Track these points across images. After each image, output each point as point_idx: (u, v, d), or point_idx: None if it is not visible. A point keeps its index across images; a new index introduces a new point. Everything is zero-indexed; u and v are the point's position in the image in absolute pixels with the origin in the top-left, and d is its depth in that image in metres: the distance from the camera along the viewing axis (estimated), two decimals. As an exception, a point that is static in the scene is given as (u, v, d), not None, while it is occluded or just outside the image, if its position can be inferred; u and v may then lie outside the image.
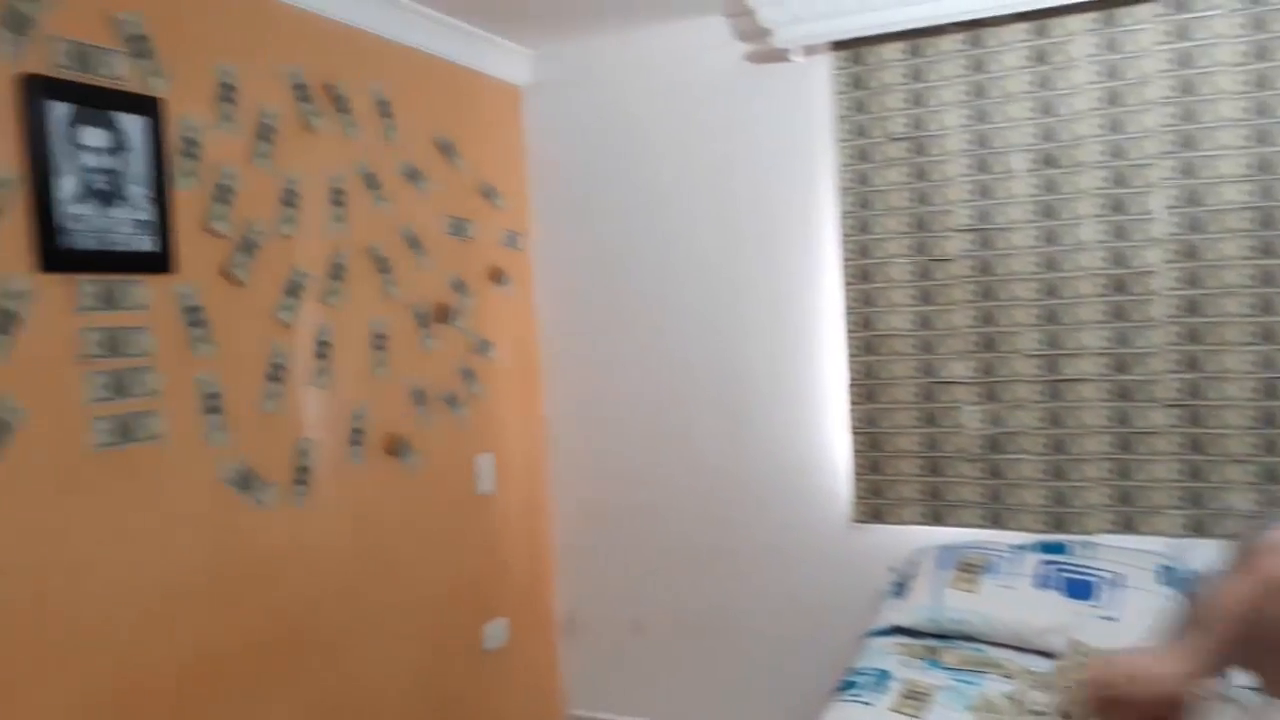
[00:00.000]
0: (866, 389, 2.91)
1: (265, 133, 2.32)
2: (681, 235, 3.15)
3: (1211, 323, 2.56)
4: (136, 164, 2.01)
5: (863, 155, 2.89)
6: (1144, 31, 2.58)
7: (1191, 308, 2.57)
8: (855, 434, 2.92)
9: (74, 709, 1.86)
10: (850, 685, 2.29)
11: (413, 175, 2.81)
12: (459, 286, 2.99)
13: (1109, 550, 2.53)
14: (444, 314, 2.91)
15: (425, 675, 2.81)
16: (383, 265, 2.69)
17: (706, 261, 3.12)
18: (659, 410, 3.20)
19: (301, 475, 2.41)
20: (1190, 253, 2.56)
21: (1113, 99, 2.62)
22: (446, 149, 2.95)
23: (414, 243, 2.81)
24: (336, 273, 2.53)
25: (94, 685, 1.90)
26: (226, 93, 2.23)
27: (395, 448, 2.70)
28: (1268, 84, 2.47)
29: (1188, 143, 2.55)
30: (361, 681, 2.57)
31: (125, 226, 1.99)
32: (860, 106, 2.88)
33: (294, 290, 2.40)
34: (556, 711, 3.36)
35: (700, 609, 3.16)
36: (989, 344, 2.77)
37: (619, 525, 3.26)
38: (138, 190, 2.02)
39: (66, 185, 1.88)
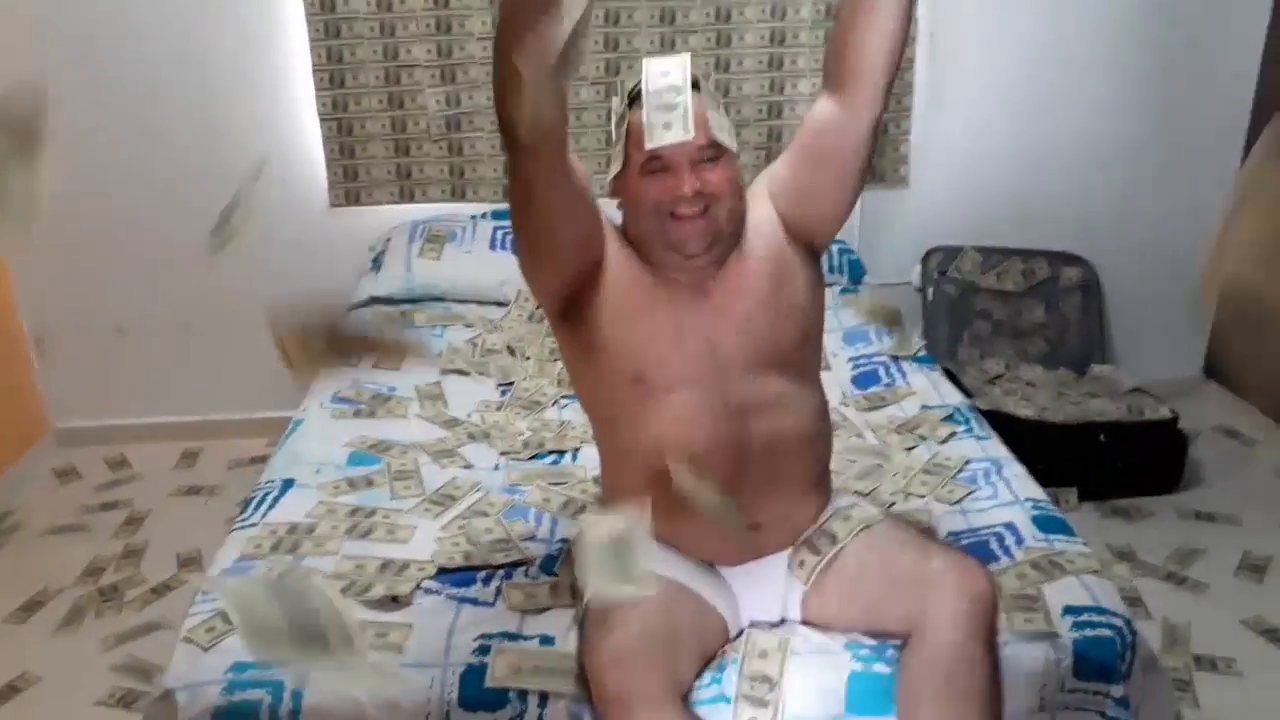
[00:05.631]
0: (332, 74, 2.92)
1: None
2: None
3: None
4: None
5: None
6: None
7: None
8: (324, 120, 2.96)
9: None
10: (332, 352, 2.52)
11: None
12: None
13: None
14: None
15: None
16: None
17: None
18: (121, 111, 2.93)
19: None
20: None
21: None
22: None
23: None
24: None
25: None
26: None
27: None
28: None
29: None
30: None
31: None
32: None
33: None
34: (40, 427, 3.22)
35: (184, 305, 3.12)
36: (446, 27, 2.90)
37: (89, 236, 3.02)
38: None
39: None
